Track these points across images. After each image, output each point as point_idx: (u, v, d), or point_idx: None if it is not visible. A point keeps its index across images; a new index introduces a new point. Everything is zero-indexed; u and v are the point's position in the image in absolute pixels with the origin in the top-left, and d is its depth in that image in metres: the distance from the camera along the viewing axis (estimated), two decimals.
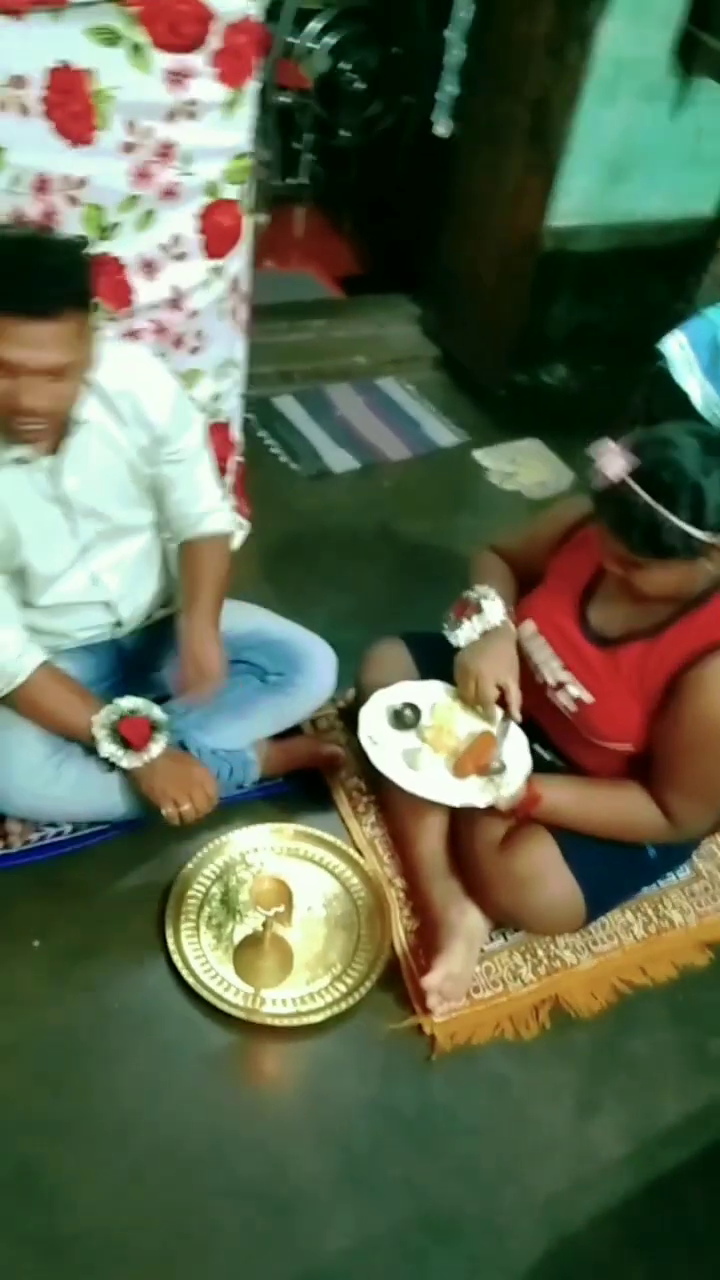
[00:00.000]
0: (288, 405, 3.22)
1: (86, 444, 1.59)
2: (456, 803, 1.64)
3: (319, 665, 1.95)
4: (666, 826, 1.63)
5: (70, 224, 1.77)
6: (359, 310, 3.67)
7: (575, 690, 1.67)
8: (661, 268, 3.25)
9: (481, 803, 1.63)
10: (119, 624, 1.88)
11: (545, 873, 1.69)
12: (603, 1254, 1.52)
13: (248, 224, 2.01)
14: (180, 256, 1.93)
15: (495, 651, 1.74)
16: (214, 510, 1.85)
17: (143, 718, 1.70)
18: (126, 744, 1.68)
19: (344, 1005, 1.70)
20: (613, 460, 1.43)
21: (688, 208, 3.19)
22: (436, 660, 1.93)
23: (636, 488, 1.41)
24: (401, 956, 1.80)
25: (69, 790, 1.74)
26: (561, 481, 3.12)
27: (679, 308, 2.86)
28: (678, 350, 2.32)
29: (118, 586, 1.81)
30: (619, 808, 1.67)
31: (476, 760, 1.66)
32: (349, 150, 4.28)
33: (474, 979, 1.78)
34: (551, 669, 1.71)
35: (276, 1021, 1.68)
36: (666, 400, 2.38)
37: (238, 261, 2.04)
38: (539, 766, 1.72)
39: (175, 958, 1.73)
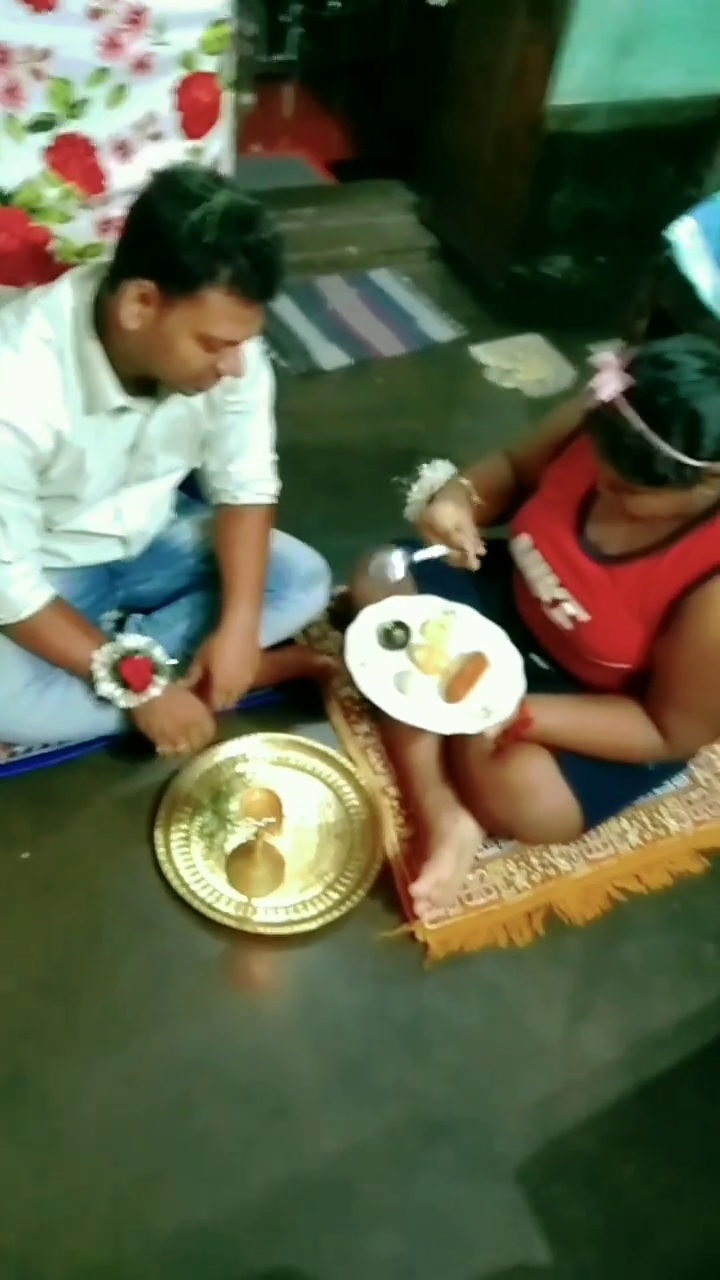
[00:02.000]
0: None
1: (171, 394, 1.55)
2: (447, 730, 1.60)
3: (310, 580, 1.90)
4: (662, 745, 1.60)
5: (35, 100, 1.64)
6: (351, 197, 3.51)
7: (571, 608, 1.62)
8: (671, 150, 3.11)
9: (473, 729, 1.58)
10: (125, 555, 1.83)
11: (539, 785, 1.66)
12: (592, 1153, 1.54)
13: (227, 100, 1.88)
14: (156, 136, 1.81)
15: (438, 500, 1.72)
16: (260, 478, 1.80)
17: (144, 659, 1.65)
18: (125, 684, 1.64)
19: (336, 913, 1.70)
20: (608, 378, 1.35)
21: (700, 84, 3.03)
22: (431, 568, 1.88)
23: (629, 411, 1.33)
24: (394, 864, 1.79)
25: (49, 716, 1.72)
26: (562, 379, 3.01)
27: (689, 193, 2.72)
28: (687, 237, 2.22)
29: (137, 523, 1.77)
30: (613, 728, 1.63)
31: (469, 683, 1.61)
32: (340, 22, 4.07)
33: (467, 886, 1.77)
34: (547, 585, 1.66)
35: (269, 930, 1.67)
36: (674, 292, 2.28)
37: (218, 142, 1.91)
38: (536, 675, 1.68)
39: (166, 868, 1.72)
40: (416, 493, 1.77)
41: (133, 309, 1.36)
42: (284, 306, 3.06)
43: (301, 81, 4.24)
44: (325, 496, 2.44)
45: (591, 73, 2.89)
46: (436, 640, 1.67)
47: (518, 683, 1.63)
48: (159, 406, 1.57)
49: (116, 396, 1.49)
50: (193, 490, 1.96)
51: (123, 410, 1.52)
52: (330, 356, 2.92)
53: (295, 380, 2.84)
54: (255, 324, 1.41)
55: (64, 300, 1.45)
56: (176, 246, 1.29)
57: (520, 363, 3.03)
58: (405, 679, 1.64)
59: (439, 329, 3.11)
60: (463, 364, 3.03)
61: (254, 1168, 1.47)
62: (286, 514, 1.98)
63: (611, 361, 1.37)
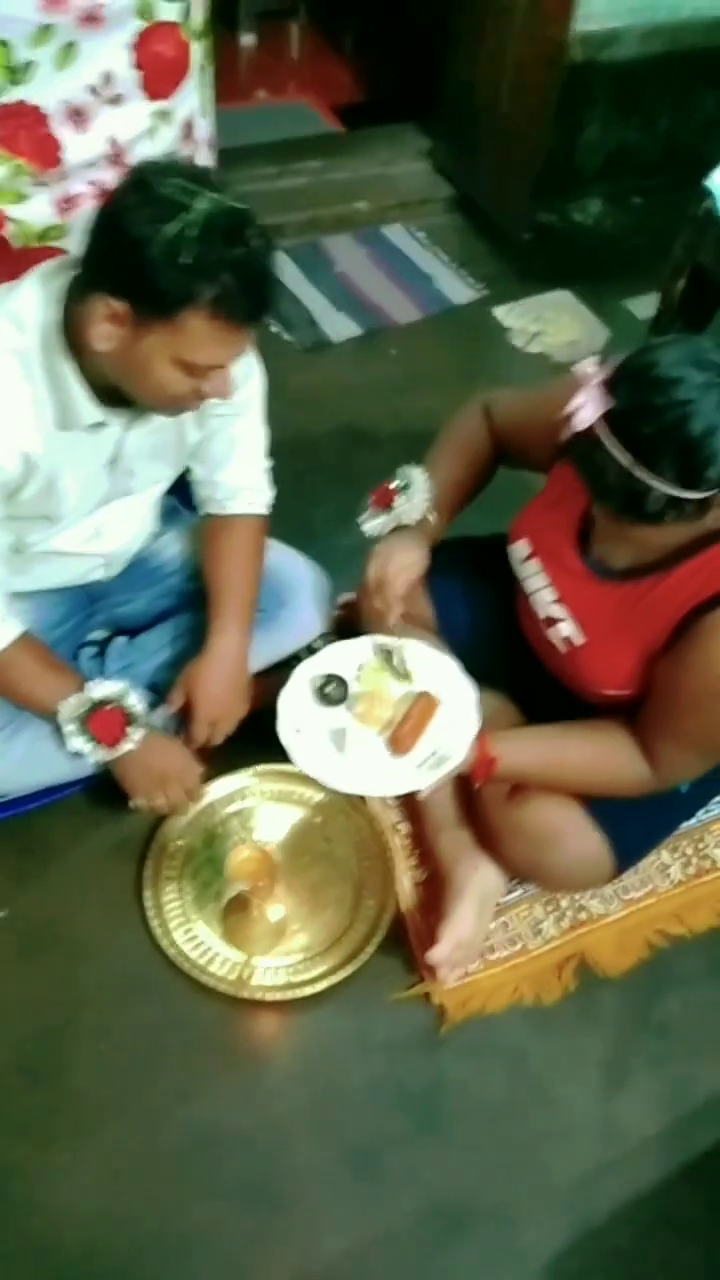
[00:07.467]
0: (279, 263, 2.86)
1: None
2: (390, 792, 1.40)
3: (305, 598, 1.72)
4: (650, 776, 1.38)
5: None
6: (359, 146, 3.25)
7: (567, 629, 1.42)
8: (712, 76, 2.82)
9: (424, 785, 1.36)
10: (106, 575, 1.66)
11: (563, 828, 1.47)
12: (632, 1245, 1.38)
13: (196, 52, 1.66)
14: (115, 100, 1.60)
15: (398, 550, 1.52)
16: (251, 486, 1.63)
17: (115, 709, 1.46)
18: (96, 739, 1.47)
19: (343, 973, 1.54)
20: (585, 400, 1.13)
21: None
22: (450, 563, 1.65)
23: (611, 441, 1.11)
24: (407, 914, 1.62)
25: (18, 765, 1.55)
26: (595, 340, 2.76)
27: None
28: None
29: (119, 541, 1.60)
30: (594, 762, 1.42)
31: (417, 729, 1.38)
32: None
33: (489, 936, 1.60)
34: (543, 601, 1.45)
35: (269, 995, 1.52)
36: (715, 248, 2.03)
37: (189, 101, 1.69)
38: (545, 688, 1.49)
39: (155, 925, 1.57)
40: (385, 523, 1.55)
41: (102, 329, 1.18)
42: (287, 271, 2.83)
43: (307, 19, 3.97)
44: (335, 487, 2.23)
45: None
46: (375, 685, 1.44)
47: (471, 720, 1.40)
48: (138, 418, 1.40)
49: (92, 412, 1.32)
50: (182, 495, 1.78)
51: (99, 425, 1.35)
52: (339, 327, 2.70)
53: (300, 355, 2.62)
54: (243, 345, 1.26)
55: (29, 304, 1.27)
56: (150, 266, 1.11)
57: (548, 323, 2.78)
58: (342, 736, 1.40)
59: (458, 289, 2.87)
60: (484, 328, 2.79)
61: (251, 1270, 1.33)
62: (292, 509, 1.77)
63: (590, 374, 1.14)
